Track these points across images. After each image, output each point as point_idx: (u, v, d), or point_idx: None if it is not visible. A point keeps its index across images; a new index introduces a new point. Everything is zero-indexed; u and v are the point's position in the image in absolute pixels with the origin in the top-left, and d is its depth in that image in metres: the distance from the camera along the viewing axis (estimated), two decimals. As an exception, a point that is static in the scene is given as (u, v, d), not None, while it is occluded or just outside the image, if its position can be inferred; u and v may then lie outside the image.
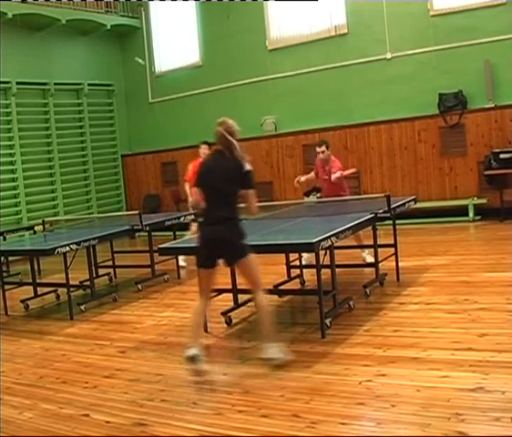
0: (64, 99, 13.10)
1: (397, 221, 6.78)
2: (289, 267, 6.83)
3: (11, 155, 11.93)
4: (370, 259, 7.46)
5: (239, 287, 6.02)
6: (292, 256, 6.83)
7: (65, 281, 6.79)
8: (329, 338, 4.95)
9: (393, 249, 6.67)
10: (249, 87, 12.50)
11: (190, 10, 13.28)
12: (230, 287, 6.00)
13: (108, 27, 13.40)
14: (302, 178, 8.12)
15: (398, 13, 10.76)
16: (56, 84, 12.76)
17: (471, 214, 10.13)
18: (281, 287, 6.50)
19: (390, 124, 11.04)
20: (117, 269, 8.81)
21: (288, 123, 12.11)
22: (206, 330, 5.57)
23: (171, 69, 13.77)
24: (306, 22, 11.81)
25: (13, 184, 11.88)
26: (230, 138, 4.45)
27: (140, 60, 5.70)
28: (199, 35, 13.21)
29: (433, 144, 10.75)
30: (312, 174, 8.19)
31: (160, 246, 5.75)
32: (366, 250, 7.57)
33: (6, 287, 7.65)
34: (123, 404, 4.09)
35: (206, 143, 8.94)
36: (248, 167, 4.49)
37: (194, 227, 8.92)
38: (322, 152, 7.81)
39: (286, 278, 6.79)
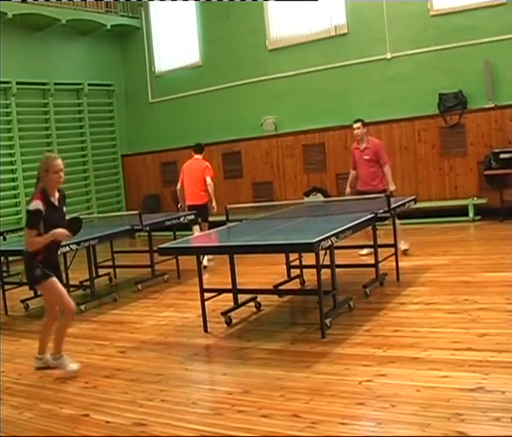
0: (64, 99, 13.10)
1: (397, 221, 6.78)
2: (289, 267, 6.83)
3: (11, 155, 11.93)
4: (404, 247, 7.75)
5: (239, 287, 6.03)
6: (292, 256, 6.83)
7: (65, 281, 6.78)
8: (329, 338, 4.95)
9: (393, 249, 6.68)
10: (249, 87, 12.51)
11: (190, 10, 13.28)
12: (230, 287, 6.00)
13: (108, 27, 13.40)
14: (348, 189, 8.28)
15: (398, 13, 10.76)
16: (56, 84, 12.76)
17: (471, 214, 10.13)
18: (281, 287, 6.50)
19: (390, 124, 11.04)
20: (117, 269, 8.82)
21: (288, 123, 12.12)
22: (206, 330, 5.57)
23: (171, 69, 13.78)
24: (306, 22, 11.81)
25: (13, 184, 11.88)
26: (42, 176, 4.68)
27: None
28: (199, 35, 13.21)
29: (433, 144, 10.75)
30: (351, 172, 8.32)
31: (160, 246, 5.75)
32: (402, 241, 7.73)
33: (6, 287, 7.65)
34: (123, 404, 4.09)
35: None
36: (31, 206, 4.59)
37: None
38: (358, 128, 8.00)
39: (286, 278, 6.79)
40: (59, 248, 5.05)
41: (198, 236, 7.52)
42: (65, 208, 4.88)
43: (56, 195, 4.76)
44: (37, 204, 4.54)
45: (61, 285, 4.80)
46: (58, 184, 4.69)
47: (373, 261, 6.56)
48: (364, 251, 7.87)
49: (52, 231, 4.59)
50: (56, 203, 4.73)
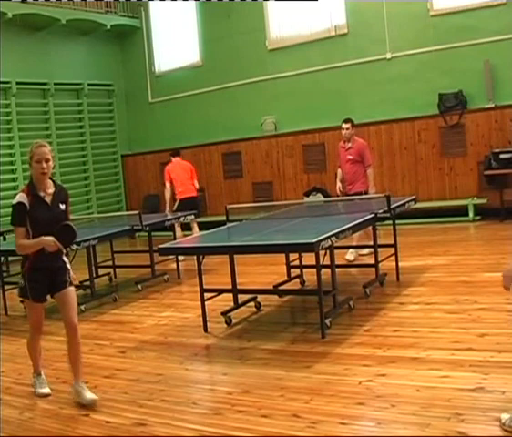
0: (64, 99, 13.10)
1: (397, 221, 6.79)
2: (289, 267, 6.83)
3: (11, 155, 11.92)
4: (350, 257, 7.66)
5: (239, 287, 6.03)
6: (292, 256, 6.83)
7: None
8: (329, 338, 4.95)
9: (393, 249, 6.68)
10: (249, 87, 12.50)
11: (190, 10, 13.27)
12: (230, 287, 6.00)
13: (108, 27, 13.40)
14: (339, 184, 8.22)
15: (398, 13, 10.75)
16: (56, 84, 12.76)
17: (471, 214, 10.12)
18: (281, 287, 6.50)
19: (390, 124, 11.04)
20: (117, 269, 8.82)
21: (288, 123, 12.11)
22: (206, 330, 5.57)
23: (171, 69, 13.77)
24: (306, 22, 11.81)
25: (13, 184, 11.87)
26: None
27: None
28: (199, 35, 13.20)
29: (433, 144, 10.75)
30: (339, 171, 8.28)
31: (160, 246, 5.75)
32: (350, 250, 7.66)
33: (6, 287, 7.65)
34: (123, 404, 4.09)
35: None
36: (14, 200, 4.09)
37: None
38: (347, 129, 7.95)
39: (286, 278, 6.79)
40: (58, 253, 4.17)
41: (198, 235, 7.51)
42: (62, 207, 4.17)
43: (50, 190, 4.14)
44: (20, 197, 4.03)
45: (40, 309, 4.24)
46: (42, 176, 4.05)
47: (373, 261, 6.56)
48: (365, 251, 7.85)
49: (39, 238, 3.98)
50: (48, 199, 4.10)
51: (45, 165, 4.03)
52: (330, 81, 11.56)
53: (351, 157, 7.94)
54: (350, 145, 7.99)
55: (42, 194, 4.09)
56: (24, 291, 4.19)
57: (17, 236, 4.10)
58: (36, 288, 4.15)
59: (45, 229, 4.01)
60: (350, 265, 7.49)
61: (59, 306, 4.27)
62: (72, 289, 4.33)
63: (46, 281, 4.18)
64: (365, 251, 7.82)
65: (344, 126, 7.99)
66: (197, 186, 9.82)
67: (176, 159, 9.82)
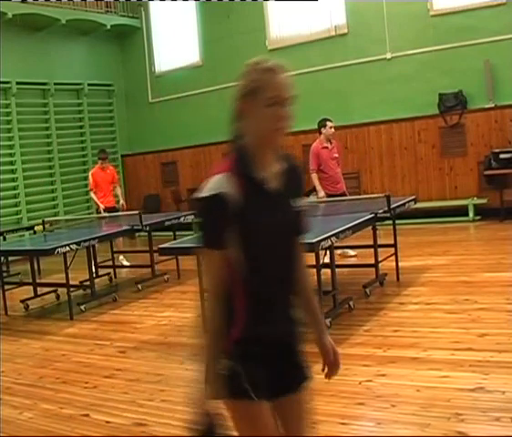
0: (64, 99, 13.09)
1: (397, 221, 6.79)
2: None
3: (11, 155, 11.91)
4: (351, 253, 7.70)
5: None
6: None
7: (65, 281, 6.79)
8: (329, 338, 4.94)
9: (393, 249, 6.67)
10: (249, 87, 12.49)
11: (190, 10, 13.27)
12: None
13: (108, 27, 13.39)
14: (322, 194, 7.83)
15: (398, 13, 10.75)
16: (56, 84, 12.75)
17: (471, 214, 10.12)
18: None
19: (390, 124, 11.04)
20: (117, 269, 8.82)
21: (288, 123, 12.09)
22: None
23: (171, 69, 13.77)
24: (306, 22, 11.81)
25: (13, 184, 11.86)
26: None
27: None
28: (199, 35, 13.21)
29: (433, 144, 10.75)
30: (315, 175, 7.94)
31: (160, 246, 5.75)
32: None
33: (6, 287, 7.65)
34: (123, 404, 4.09)
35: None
36: (203, 191, 1.92)
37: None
38: (334, 127, 7.96)
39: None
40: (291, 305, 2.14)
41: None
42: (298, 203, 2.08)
43: (274, 167, 2.11)
44: (216, 183, 1.94)
45: (271, 419, 2.07)
46: (276, 134, 2.13)
47: (373, 261, 6.56)
48: (351, 252, 7.79)
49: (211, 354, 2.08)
50: (273, 187, 2.04)
51: (283, 112, 2.04)
52: (330, 81, 11.56)
53: (337, 155, 7.95)
54: (332, 144, 7.98)
55: (261, 176, 2.03)
56: (234, 384, 2.04)
57: (210, 268, 1.95)
58: (259, 374, 2.02)
59: (267, 250, 1.97)
60: (350, 265, 7.48)
61: (278, 416, 2.18)
62: (308, 387, 2.28)
63: (268, 365, 2.06)
64: (352, 252, 7.80)
65: (332, 124, 7.94)
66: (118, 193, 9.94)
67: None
